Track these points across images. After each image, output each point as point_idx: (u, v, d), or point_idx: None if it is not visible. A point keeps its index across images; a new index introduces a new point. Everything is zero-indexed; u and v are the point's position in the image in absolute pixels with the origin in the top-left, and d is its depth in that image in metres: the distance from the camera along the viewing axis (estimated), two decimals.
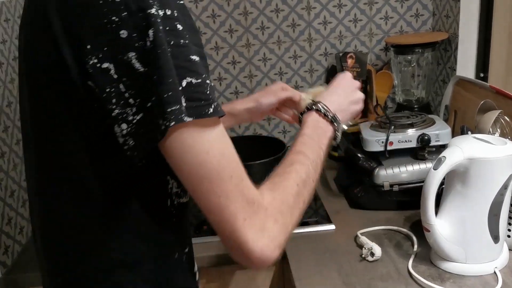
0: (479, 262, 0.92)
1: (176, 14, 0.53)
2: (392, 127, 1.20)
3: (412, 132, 1.19)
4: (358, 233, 1.08)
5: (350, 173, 1.29)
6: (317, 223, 1.17)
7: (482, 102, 1.14)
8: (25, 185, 1.18)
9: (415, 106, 1.48)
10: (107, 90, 0.52)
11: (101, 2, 0.52)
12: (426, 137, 1.16)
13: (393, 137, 1.19)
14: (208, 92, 0.55)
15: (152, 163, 0.58)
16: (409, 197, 1.17)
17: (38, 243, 0.69)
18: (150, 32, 0.51)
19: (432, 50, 1.44)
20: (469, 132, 1.03)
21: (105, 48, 0.52)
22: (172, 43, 0.52)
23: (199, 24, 1.49)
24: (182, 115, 0.52)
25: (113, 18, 0.51)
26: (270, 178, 0.66)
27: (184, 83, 0.53)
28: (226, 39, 1.51)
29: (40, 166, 0.63)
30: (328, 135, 0.78)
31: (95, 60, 0.52)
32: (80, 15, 0.53)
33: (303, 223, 1.18)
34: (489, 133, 1.06)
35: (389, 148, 1.18)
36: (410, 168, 1.16)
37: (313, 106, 0.79)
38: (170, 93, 0.52)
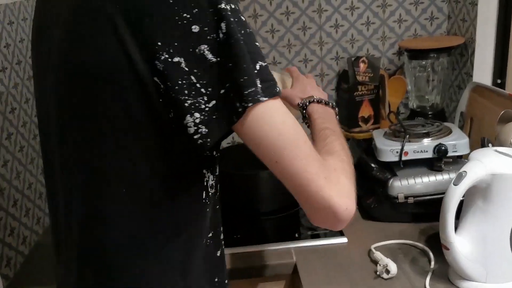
0: (501, 282, 0.88)
1: (237, 8, 0.58)
2: (407, 136, 1.16)
3: (428, 142, 1.15)
4: (372, 247, 1.04)
5: (363, 182, 1.24)
6: (329, 235, 1.13)
7: (502, 112, 1.10)
8: (28, 193, 1.15)
9: (429, 113, 1.44)
10: (179, 82, 0.56)
11: (171, 1, 0.55)
12: (443, 148, 1.12)
13: (408, 147, 1.14)
14: (271, 73, 0.60)
15: (197, 157, 0.62)
16: (425, 210, 1.13)
17: (69, 246, 0.69)
18: (223, 24, 0.55)
19: (447, 55, 1.39)
20: (490, 145, 0.99)
21: (176, 43, 0.55)
22: (242, 32, 0.57)
23: None
24: (259, 96, 0.57)
25: (184, 14, 0.55)
26: (318, 149, 0.69)
27: (257, 67, 0.58)
28: None
29: (89, 170, 0.64)
30: (334, 116, 0.86)
31: (166, 56, 0.55)
32: (148, 14, 0.55)
33: (313, 236, 1.14)
34: (510, 145, 1.02)
35: (404, 158, 1.14)
36: (426, 179, 1.12)
37: (313, 100, 0.86)
38: (246, 77, 0.56)
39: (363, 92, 1.45)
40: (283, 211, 1.26)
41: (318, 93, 0.89)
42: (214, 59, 0.56)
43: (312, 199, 0.61)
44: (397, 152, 1.14)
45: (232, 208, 1.28)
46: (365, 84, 1.44)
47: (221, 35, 0.56)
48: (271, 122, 0.59)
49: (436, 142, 1.14)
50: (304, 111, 0.85)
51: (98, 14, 0.58)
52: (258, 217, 1.25)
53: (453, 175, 1.12)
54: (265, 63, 0.59)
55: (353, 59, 1.43)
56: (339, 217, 0.61)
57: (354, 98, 1.45)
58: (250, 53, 0.57)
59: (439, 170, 1.13)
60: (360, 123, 1.47)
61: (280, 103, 0.61)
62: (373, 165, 1.17)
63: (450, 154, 1.13)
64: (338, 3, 1.46)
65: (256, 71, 0.57)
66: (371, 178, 1.18)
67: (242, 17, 0.58)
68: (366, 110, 1.47)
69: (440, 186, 1.11)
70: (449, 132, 1.18)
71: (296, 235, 1.16)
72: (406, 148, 1.14)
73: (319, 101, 0.85)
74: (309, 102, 0.86)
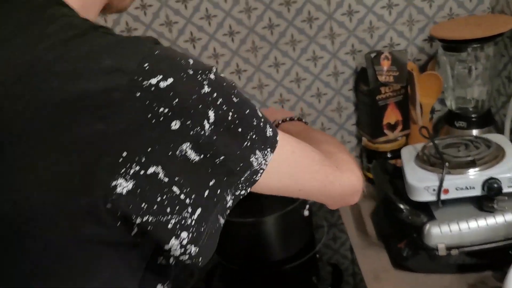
0: None
1: (216, 71, 0.47)
2: (446, 164, 0.90)
3: (474, 174, 0.88)
4: None
5: (392, 219, 1.00)
6: None
7: None
8: None
9: (473, 116, 1.15)
10: (158, 199, 0.44)
11: (139, 94, 0.42)
12: (495, 185, 0.85)
13: (449, 181, 0.88)
14: (261, 122, 0.51)
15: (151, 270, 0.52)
16: (474, 260, 0.88)
17: None
18: (210, 113, 0.45)
19: (494, 43, 1.09)
20: None
21: (150, 149, 0.43)
22: (232, 100, 0.47)
23: (190, 28, 1.18)
24: (255, 176, 0.50)
25: (161, 109, 0.43)
26: None
27: (249, 142, 0.49)
28: (227, 43, 1.21)
29: None
30: (303, 124, 0.85)
31: (137, 168, 0.43)
32: (108, 116, 0.42)
33: None
34: None
35: (443, 197, 0.89)
36: (473, 224, 0.86)
37: (278, 122, 0.84)
38: (242, 164, 0.48)
39: (388, 95, 1.17)
40: (293, 261, 1.03)
41: (280, 115, 0.86)
42: (198, 158, 0.45)
43: (338, 193, 0.63)
44: (433, 190, 0.88)
45: (233, 261, 1.07)
46: (389, 84, 1.16)
47: (206, 127, 0.45)
48: (283, 168, 0.54)
49: (486, 174, 0.87)
50: None
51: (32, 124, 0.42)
52: (264, 270, 1.03)
53: (509, 217, 0.86)
54: (255, 123, 0.50)
55: (372, 55, 1.15)
56: (359, 191, 0.66)
57: (377, 102, 1.18)
58: (244, 118, 0.48)
59: (490, 211, 0.87)
60: (385, 130, 1.21)
61: (282, 138, 0.54)
62: (402, 206, 0.91)
63: (505, 190, 0.86)
64: None
65: (249, 146, 0.49)
66: (401, 221, 0.93)
67: (224, 82, 0.48)
68: (392, 115, 1.20)
69: (493, 232, 0.86)
70: (501, 155, 0.91)
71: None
72: (445, 183, 0.88)
73: (284, 120, 0.83)
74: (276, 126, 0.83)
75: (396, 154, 1.20)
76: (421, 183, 0.90)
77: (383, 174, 1.04)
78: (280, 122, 0.83)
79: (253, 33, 1.20)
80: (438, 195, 0.88)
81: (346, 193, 0.64)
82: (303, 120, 0.85)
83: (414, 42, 1.23)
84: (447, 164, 0.90)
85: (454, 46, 1.10)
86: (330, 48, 1.23)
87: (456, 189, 0.88)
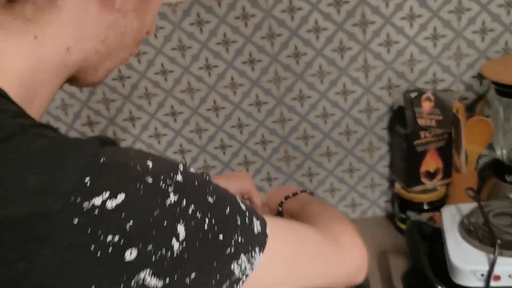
0: None
1: (182, 168, 0.38)
2: (498, 241, 0.74)
3: None
4: None
5: None
6: None
7: None
8: None
9: None
10: None
11: (77, 221, 0.32)
12: None
13: (501, 266, 0.73)
14: (246, 218, 0.42)
15: None
16: None
17: None
18: (180, 228, 0.36)
19: None
20: None
21: (93, 287, 0.33)
22: (209, 217, 0.38)
23: (205, 54, 1.05)
24: (236, 286, 0.42)
25: (109, 238, 0.33)
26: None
27: (233, 248, 0.40)
28: (246, 72, 1.07)
29: None
30: (308, 195, 0.79)
31: None
32: (32, 252, 0.31)
33: None
34: None
35: (493, 284, 0.73)
36: None
37: (281, 202, 0.77)
38: (219, 275, 0.40)
39: (428, 140, 1.02)
40: None
41: (285, 193, 0.78)
42: (161, 283, 0.36)
43: (343, 275, 0.57)
44: (482, 274, 0.73)
45: None
46: (430, 129, 1.01)
47: (175, 246, 0.36)
48: (278, 265, 0.47)
49: None
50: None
51: None
52: None
53: None
54: (239, 223, 0.42)
55: (412, 95, 1.00)
56: (364, 266, 0.58)
57: (415, 148, 1.02)
58: (226, 221, 0.40)
59: None
60: (423, 179, 1.05)
61: (272, 229, 0.45)
62: None
63: None
64: (390, 11, 1.02)
65: (230, 255, 0.40)
66: None
67: (196, 180, 0.39)
68: (431, 163, 1.04)
69: None
70: None
71: None
72: (497, 268, 0.73)
73: (287, 197, 0.76)
74: (280, 206, 0.77)
75: (434, 206, 1.06)
76: (467, 265, 0.75)
77: (420, 239, 0.89)
78: (283, 200, 0.76)
79: (276, 62, 1.07)
80: (487, 281, 0.73)
81: (351, 272, 0.58)
82: (307, 191, 0.78)
83: (462, 78, 1.07)
84: (499, 241, 0.74)
85: (509, 91, 0.93)
86: (363, 82, 1.08)
87: (510, 276, 0.73)
